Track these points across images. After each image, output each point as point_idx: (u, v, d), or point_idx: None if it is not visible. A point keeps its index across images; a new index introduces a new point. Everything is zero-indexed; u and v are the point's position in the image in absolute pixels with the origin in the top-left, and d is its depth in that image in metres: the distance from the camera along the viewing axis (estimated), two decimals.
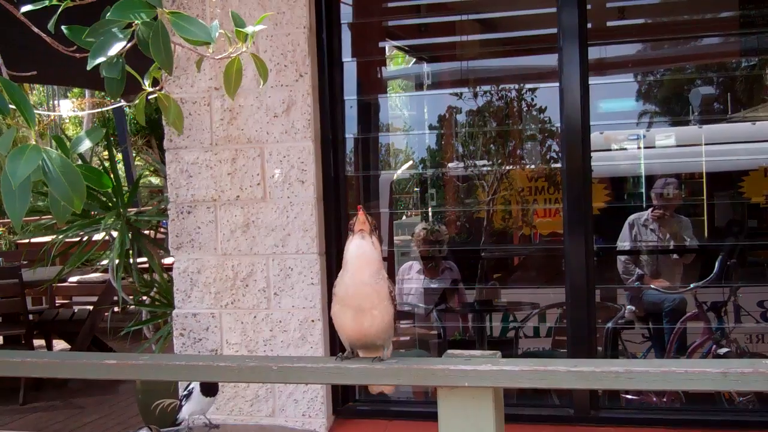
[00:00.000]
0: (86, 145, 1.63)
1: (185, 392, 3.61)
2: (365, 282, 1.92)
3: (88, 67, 1.56)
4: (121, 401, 7.36)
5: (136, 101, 1.92)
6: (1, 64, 1.60)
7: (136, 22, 1.57)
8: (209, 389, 3.49)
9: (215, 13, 4.65)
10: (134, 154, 15.14)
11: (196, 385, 3.55)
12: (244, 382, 4.61)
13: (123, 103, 1.87)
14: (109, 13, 1.54)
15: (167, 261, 6.26)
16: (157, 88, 1.88)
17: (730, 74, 8.64)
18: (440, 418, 1.81)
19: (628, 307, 6.78)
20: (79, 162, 5.92)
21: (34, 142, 1.46)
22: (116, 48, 1.57)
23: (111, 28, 1.58)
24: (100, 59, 1.55)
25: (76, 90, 22.12)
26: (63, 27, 1.67)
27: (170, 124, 1.91)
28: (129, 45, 1.59)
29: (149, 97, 1.92)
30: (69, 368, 2.20)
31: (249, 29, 1.79)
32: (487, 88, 7.84)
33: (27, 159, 1.43)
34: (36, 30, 1.72)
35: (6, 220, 14.95)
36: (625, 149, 8.55)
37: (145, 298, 6.06)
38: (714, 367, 1.66)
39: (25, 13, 1.68)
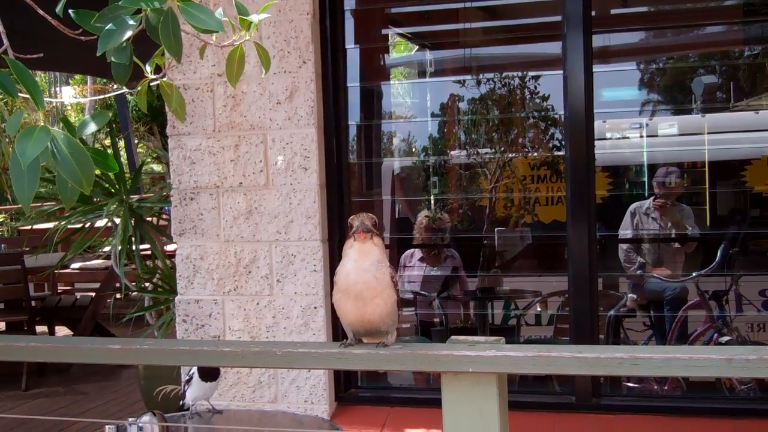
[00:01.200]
0: (92, 128, 1.63)
1: (187, 377, 3.63)
2: (366, 269, 1.91)
3: (98, 53, 1.56)
4: (124, 387, 7.38)
5: (138, 88, 1.92)
6: (8, 46, 1.60)
7: (146, 8, 1.57)
8: (207, 374, 3.49)
9: None
10: (136, 142, 15.13)
11: (195, 370, 3.56)
12: (248, 367, 4.62)
13: (125, 90, 1.87)
14: (122, 0, 1.54)
15: (169, 248, 6.28)
16: (160, 75, 1.88)
17: (734, 63, 8.62)
18: (444, 404, 1.81)
19: (630, 295, 6.78)
20: None
21: (42, 124, 1.46)
22: (126, 34, 1.57)
23: (120, 14, 1.58)
24: (111, 45, 1.55)
25: (77, 77, 22.09)
26: (70, 11, 1.67)
27: (172, 112, 1.91)
28: (137, 30, 1.59)
29: (151, 84, 1.92)
30: (73, 353, 2.21)
31: (253, 17, 1.79)
32: (490, 75, 7.83)
33: (35, 140, 1.42)
34: (42, 13, 1.72)
35: (8, 207, 14.96)
36: (628, 138, 8.53)
37: (147, 284, 6.07)
38: (718, 354, 1.66)
39: None
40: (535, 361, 1.76)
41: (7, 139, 18.15)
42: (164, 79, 1.82)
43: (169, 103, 1.85)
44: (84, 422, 5.87)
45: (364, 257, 1.92)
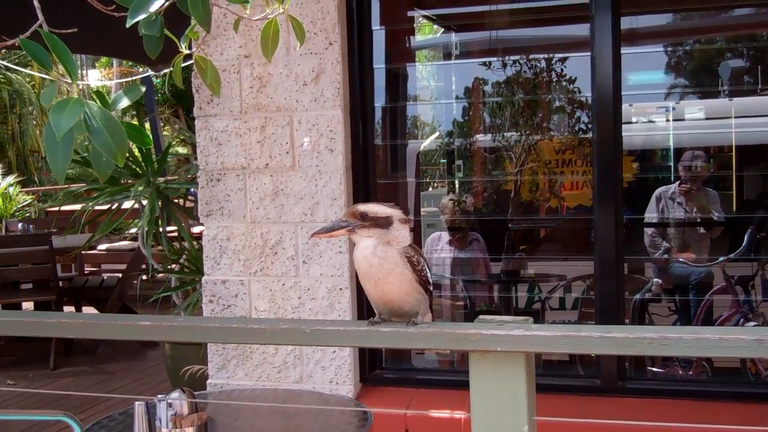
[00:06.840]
0: (125, 102, 1.64)
1: None
2: (368, 251, 1.95)
3: (128, 24, 1.56)
4: (150, 367, 7.45)
5: (169, 69, 1.92)
6: (43, 20, 1.61)
7: None
8: None
9: None
10: (161, 125, 15.20)
11: None
12: (276, 344, 4.64)
13: (150, 72, 1.88)
14: None
15: (196, 230, 6.32)
16: (191, 51, 1.88)
17: (762, 46, 8.51)
18: (472, 383, 1.80)
19: (655, 279, 6.75)
20: None
21: (76, 95, 1.47)
22: (156, 5, 1.57)
23: None
24: (141, 16, 1.55)
25: (103, 60, 22.23)
26: None
27: (208, 86, 1.92)
28: (168, 3, 1.59)
29: (184, 63, 1.92)
30: (103, 329, 2.22)
31: None
32: (516, 57, 7.77)
33: (70, 111, 1.43)
34: None
35: (35, 189, 15.09)
36: (654, 122, 8.47)
37: (174, 265, 6.11)
38: (748, 335, 1.64)
39: None
40: (563, 341, 1.75)
41: (35, 122, 18.30)
42: (198, 54, 1.83)
43: (204, 77, 1.85)
44: (113, 400, 5.93)
45: (361, 243, 1.97)
